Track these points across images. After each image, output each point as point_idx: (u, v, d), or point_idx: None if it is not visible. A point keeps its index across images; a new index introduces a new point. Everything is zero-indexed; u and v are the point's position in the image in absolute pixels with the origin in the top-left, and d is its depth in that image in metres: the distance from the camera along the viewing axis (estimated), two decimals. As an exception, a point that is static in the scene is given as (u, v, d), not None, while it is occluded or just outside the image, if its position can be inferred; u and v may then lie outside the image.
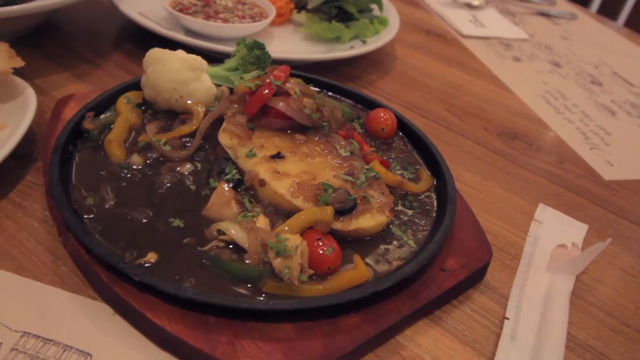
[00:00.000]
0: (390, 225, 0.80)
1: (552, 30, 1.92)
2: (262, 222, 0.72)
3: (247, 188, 0.79)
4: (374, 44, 1.34)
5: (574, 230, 0.94)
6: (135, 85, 0.95)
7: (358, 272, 0.70)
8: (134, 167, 0.81)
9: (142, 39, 1.25)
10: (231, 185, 0.77)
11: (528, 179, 1.08)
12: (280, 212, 0.76)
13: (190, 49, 0.98)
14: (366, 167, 0.85)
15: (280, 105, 0.85)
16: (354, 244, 0.76)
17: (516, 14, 2.00)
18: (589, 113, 1.38)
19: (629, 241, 0.96)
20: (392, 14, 1.52)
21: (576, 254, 0.88)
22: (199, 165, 0.84)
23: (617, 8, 2.60)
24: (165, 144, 0.84)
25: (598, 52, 1.79)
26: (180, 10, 1.27)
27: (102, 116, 0.89)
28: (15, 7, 1.03)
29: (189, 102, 0.90)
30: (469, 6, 1.94)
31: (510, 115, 1.31)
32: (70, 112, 0.91)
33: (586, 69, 1.65)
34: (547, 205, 0.98)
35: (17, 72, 0.92)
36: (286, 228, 0.71)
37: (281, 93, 0.86)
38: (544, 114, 1.34)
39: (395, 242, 0.78)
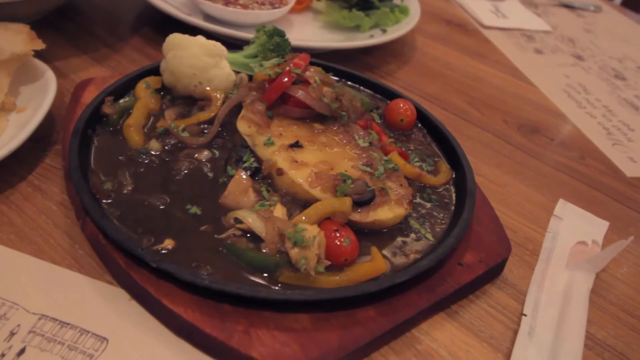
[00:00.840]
0: (408, 218, 0.79)
1: (576, 23, 1.88)
2: (279, 211, 0.71)
3: (264, 177, 0.78)
4: (394, 33, 1.32)
5: (594, 227, 0.92)
6: (155, 71, 0.95)
7: (375, 264, 0.69)
8: (152, 152, 0.81)
9: (161, 24, 1.25)
10: (249, 174, 0.77)
11: (548, 173, 1.06)
12: (298, 202, 0.75)
13: (209, 35, 0.97)
14: (385, 158, 0.84)
15: (300, 93, 0.84)
16: (372, 235, 0.75)
17: (539, 5, 1.97)
18: (612, 108, 1.35)
19: (651, 240, 0.94)
20: (413, 3, 1.50)
21: (596, 252, 0.86)
22: (216, 152, 0.83)
23: (642, 1, 2.54)
24: (183, 130, 0.84)
25: (623, 46, 1.75)
26: (200, -4, 1.26)
27: (121, 101, 0.89)
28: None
29: (208, 88, 0.90)
30: (491, -4, 1.90)
31: (531, 108, 1.29)
32: (89, 96, 0.91)
33: (610, 63, 1.61)
34: (567, 201, 0.97)
35: (38, 54, 0.93)
36: (303, 218, 0.70)
37: (300, 81, 0.86)
38: (566, 108, 1.31)
39: (412, 235, 0.77)
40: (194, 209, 0.73)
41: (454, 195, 0.86)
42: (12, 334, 0.60)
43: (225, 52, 0.94)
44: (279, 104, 0.86)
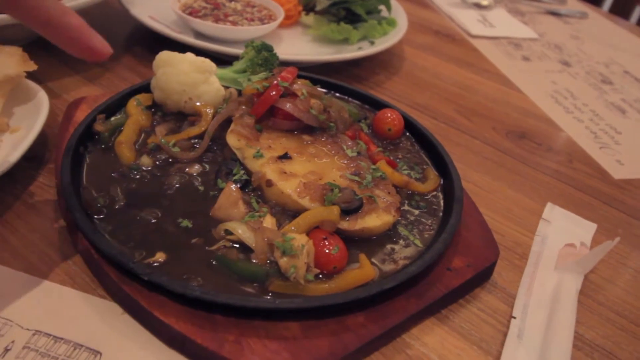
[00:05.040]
0: (397, 225, 0.80)
1: (562, 30, 1.91)
2: (269, 222, 0.73)
3: (254, 188, 0.80)
4: (382, 44, 1.35)
5: (582, 230, 0.94)
6: (145, 88, 0.96)
7: (364, 271, 0.70)
8: (144, 168, 0.83)
9: (152, 42, 1.27)
10: (239, 186, 0.78)
11: (537, 178, 1.08)
12: (287, 212, 0.77)
13: (199, 52, 0.99)
14: (373, 167, 0.85)
15: (288, 106, 0.85)
16: (361, 243, 0.76)
17: (525, 14, 2.00)
18: (599, 112, 1.37)
19: (639, 240, 0.95)
20: (400, 15, 1.52)
21: (585, 253, 0.88)
22: (207, 166, 0.84)
23: (629, 7, 2.58)
24: (174, 145, 0.85)
25: (609, 51, 1.78)
26: (190, 14, 1.29)
27: (112, 118, 0.91)
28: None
29: (198, 104, 0.91)
30: (478, 6, 1.93)
31: (520, 115, 1.31)
32: (81, 114, 0.92)
33: (597, 68, 1.64)
34: (556, 205, 0.98)
35: (30, 75, 0.94)
36: (293, 228, 0.71)
37: (288, 94, 0.87)
38: (554, 113, 1.33)
39: (401, 242, 0.78)
40: (185, 222, 0.74)
41: (442, 201, 0.87)
42: (6, 350, 0.61)
43: (214, 68, 0.96)
44: (268, 117, 0.87)
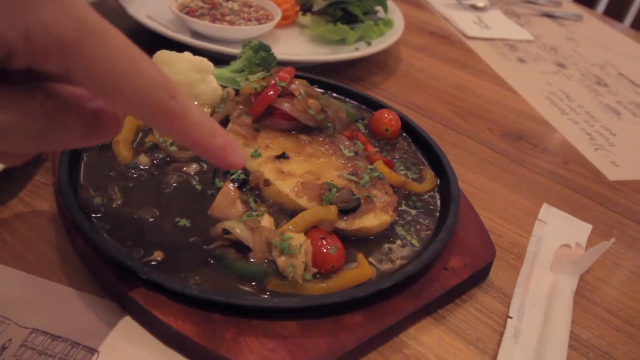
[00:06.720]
0: (394, 225, 0.81)
1: (558, 32, 1.92)
2: (266, 221, 0.73)
3: (252, 188, 0.80)
4: (378, 45, 1.35)
5: (578, 230, 0.94)
6: (143, 87, 0.96)
7: (361, 270, 0.71)
8: (141, 167, 0.83)
9: (149, 42, 1.27)
10: (236, 185, 0.78)
11: (532, 179, 1.08)
12: (285, 212, 0.77)
13: (196, 51, 0.99)
14: (370, 167, 0.85)
15: (285, 106, 0.86)
16: (358, 243, 0.76)
17: (521, 16, 2.01)
18: (594, 114, 1.38)
19: (634, 241, 0.96)
20: (397, 16, 1.53)
21: (580, 254, 0.88)
22: (204, 165, 0.85)
23: (623, 9, 2.59)
24: (171, 144, 0.85)
25: (604, 53, 1.79)
26: (187, 13, 1.29)
27: (109, 117, 0.90)
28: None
29: (195, 103, 0.92)
30: (474, 8, 1.94)
31: (515, 116, 1.31)
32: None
33: (592, 70, 1.65)
34: (552, 206, 0.99)
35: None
36: (290, 227, 0.72)
37: (286, 94, 0.87)
38: (549, 114, 1.34)
39: (398, 242, 0.78)
40: (183, 221, 0.74)
41: (438, 202, 0.87)
42: (3, 348, 0.61)
43: (212, 67, 0.96)
44: (265, 116, 0.88)
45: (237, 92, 0.95)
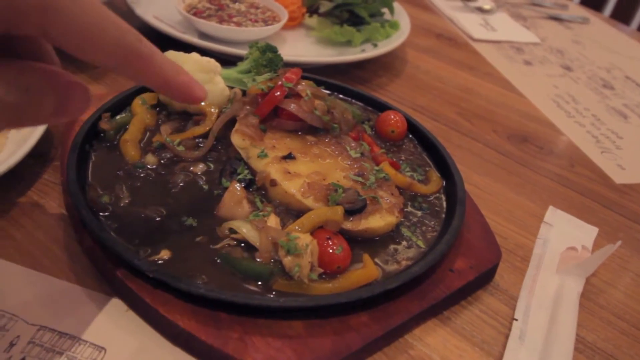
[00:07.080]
0: (400, 226, 0.81)
1: (564, 34, 1.92)
2: (273, 221, 0.73)
3: (258, 188, 0.80)
4: (384, 47, 1.35)
5: (584, 233, 0.94)
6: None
7: (367, 271, 0.71)
8: (149, 166, 0.83)
9: (157, 42, 1.26)
10: (243, 185, 0.78)
11: (538, 181, 1.08)
12: (291, 212, 0.77)
13: (204, 52, 0.99)
14: (376, 168, 0.86)
15: (292, 107, 0.86)
16: (364, 243, 0.76)
17: (527, 18, 2.01)
18: (601, 117, 1.38)
19: (640, 244, 0.96)
20: (403, 18, 1.53)
21: (586, 257, 0.88)
22: (211, 165, 0.85)
23: (630, 12, 2.59)
24: (179, 144, 0.86)
25: (610, 56, 1.79)
26: (195, 14, 1.29)
27: (117, 117, 0.91)
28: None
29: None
30: (480, 10, 1.94)
31: (521, 118, 1.31)
32: (87, 112, 0.92)
33: (598, 72, 1.64)
34: (557, 208, 0.99)
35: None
36: (297, 227, 0.72)
37: (293, 95, 0.88)
38: (555, 117, 1.34)
39: (404, 243, 0.79)
40: (190, 221, 0.75)
41: (444, 203, 0.87)
42: (11, 344, 0.61)
43: (219, 68, 0.96)
44: (272, 117, 0.88)
45: (244, 92, 0.96)
